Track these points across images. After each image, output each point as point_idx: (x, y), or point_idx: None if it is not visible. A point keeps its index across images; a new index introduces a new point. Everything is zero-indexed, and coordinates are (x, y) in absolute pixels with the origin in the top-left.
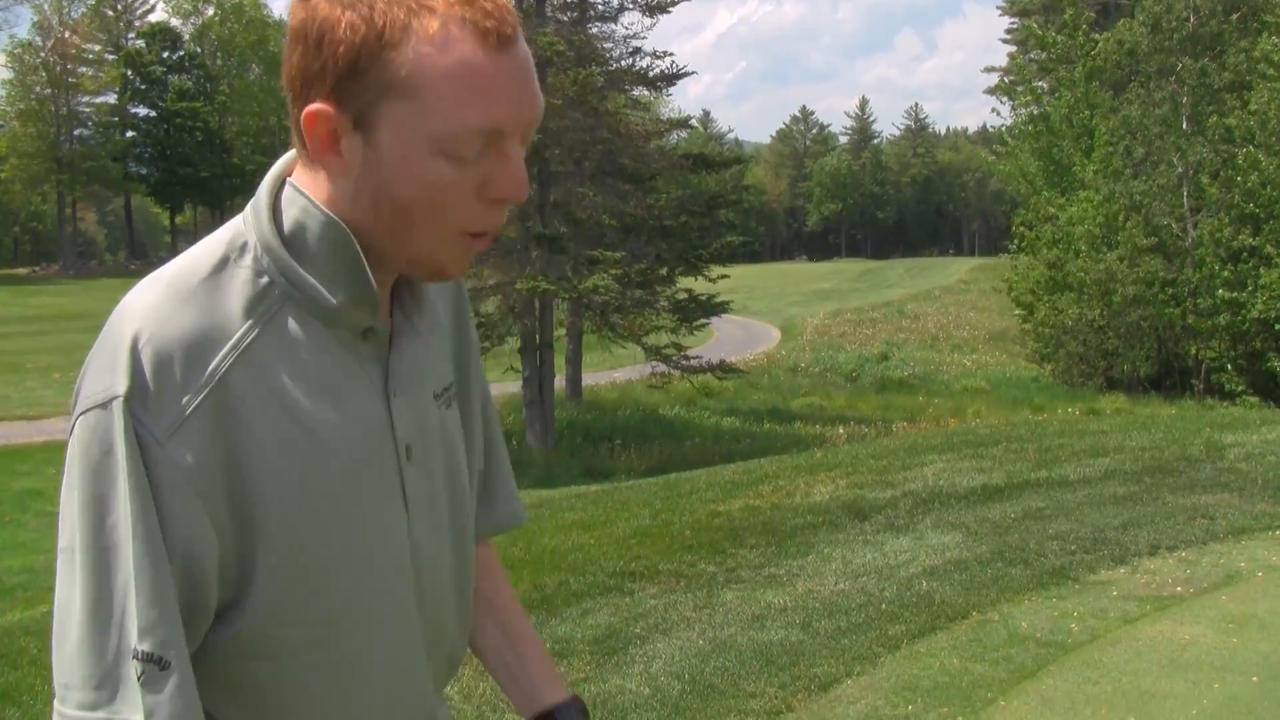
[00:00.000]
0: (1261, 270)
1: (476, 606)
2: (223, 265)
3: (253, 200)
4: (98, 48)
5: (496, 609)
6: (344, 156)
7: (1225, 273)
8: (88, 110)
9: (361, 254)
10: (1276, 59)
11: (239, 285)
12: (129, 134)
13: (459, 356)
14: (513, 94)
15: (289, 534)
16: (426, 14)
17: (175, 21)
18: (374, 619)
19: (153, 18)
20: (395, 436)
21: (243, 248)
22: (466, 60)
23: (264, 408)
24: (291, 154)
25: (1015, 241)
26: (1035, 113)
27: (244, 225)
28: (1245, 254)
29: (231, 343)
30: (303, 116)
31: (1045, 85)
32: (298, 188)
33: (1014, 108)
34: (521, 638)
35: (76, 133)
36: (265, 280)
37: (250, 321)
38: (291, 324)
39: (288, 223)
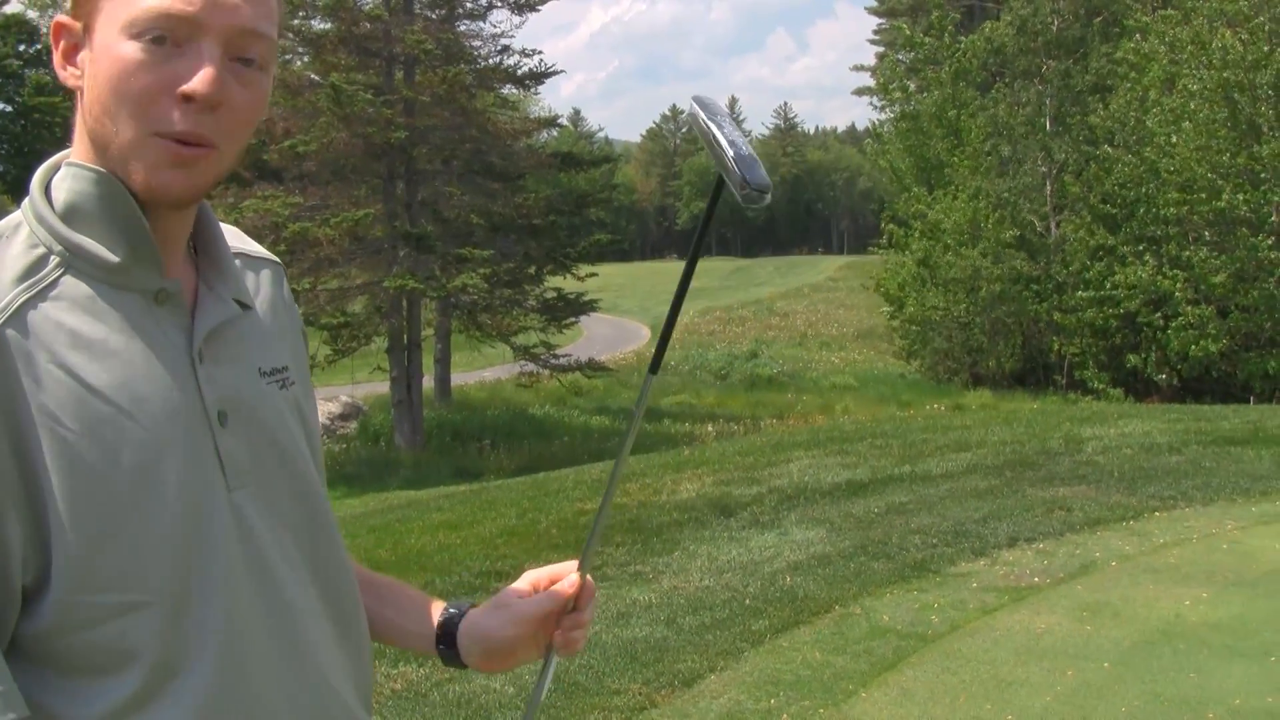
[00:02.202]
0: (1117, 268)
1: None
2: None
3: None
4: None
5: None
6: (80, 69)
7: (1089, 273)
8: None
9: (131, 201)
10: (1134, 61)
11: (10, 260)
12: None
13: (291, 350)
14: None
15: (79, 498)
16: None
17: (32, 14)
18: (201, 583)
19: (8, 9)
20: (204, 401)
21: (16, 226)
22: None
23: (41, 374)
24: (66, 150)
25: (885, 237)
26: (906, 110)
27: (17, 211)
28: (1103, 252)
29: None
30: (51, 28)
31: (913, 85)
32: (71, 159)
33: (884, 106)
34: (387, 595)
35: None
36: (40, 250)
37: (20, 288)
38: (74, 289)
39: (63, 194)
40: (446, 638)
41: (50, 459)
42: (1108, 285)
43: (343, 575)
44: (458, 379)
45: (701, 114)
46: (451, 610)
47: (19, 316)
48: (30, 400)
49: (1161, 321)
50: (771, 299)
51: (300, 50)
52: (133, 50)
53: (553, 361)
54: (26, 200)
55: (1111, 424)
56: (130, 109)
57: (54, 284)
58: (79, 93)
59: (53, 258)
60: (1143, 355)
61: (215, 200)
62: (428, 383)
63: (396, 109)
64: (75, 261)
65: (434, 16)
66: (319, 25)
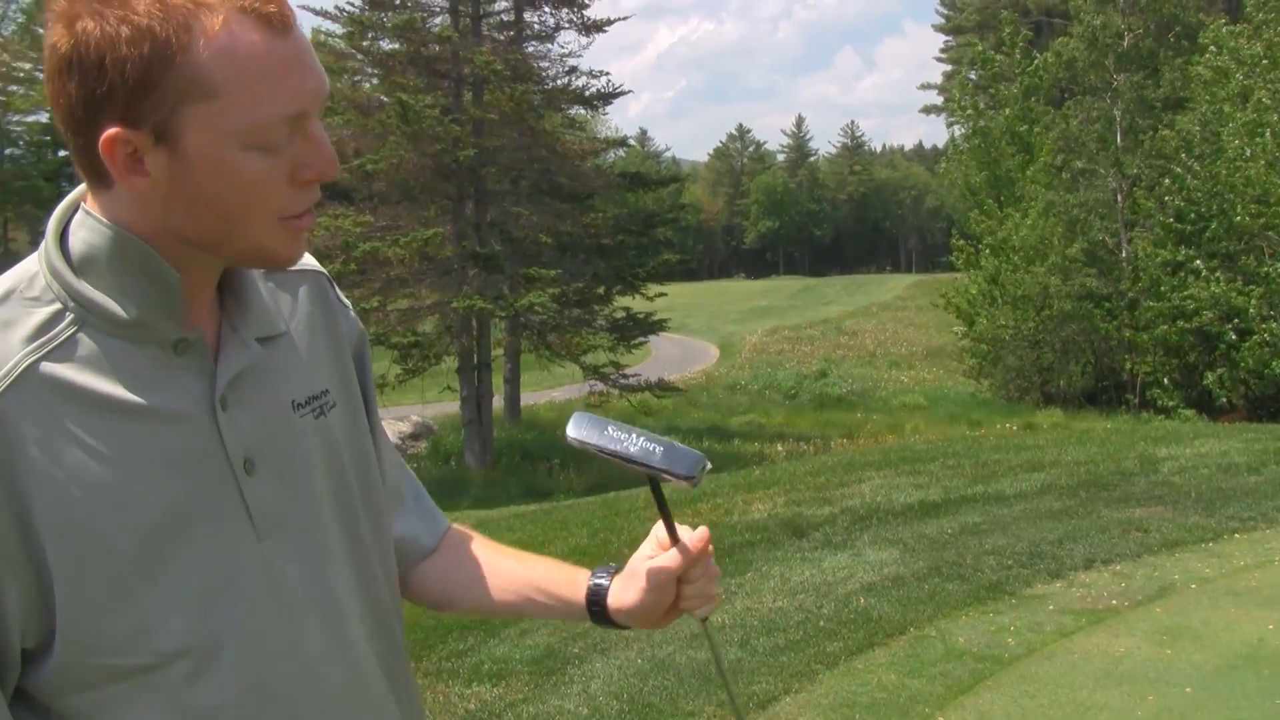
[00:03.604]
0: (1190, 283)
1: (474, 588)
2: (6, 298)
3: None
4: (29, 66)
5: (490, 574)
6: (150, 175)
7: (1161, 287)
8: (19, 129)
9: (160, 262)
10: (1208, 77)
11: (23, 315)
12: (61, 153)
13: (336, 367)
14: (304, 73)
15: (84, 563)
16: (206, 12)
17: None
18: (223, 641)
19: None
20: (227, 450)
21: (32, 278)
22: (257, 50)
23: (46, 439)
24: (83, 186)
25: (955, 255)
26: (978, 125)
27: (35, 258)
28: (1175, 268)
29: (3, 371)
30: (100, 145)
31: (984, 102)
32: (88, 210)
33: (954, 123)
34: (528, 573)
35: (8, 152)
36: (55, 307)
37: (30, 349)
38: (87, 347)
39: (78, 245)
40: (596, 608)
41: (54, 525)
42: (1178, 300)
43: (391, 608)
44: (527, 399)
45: (591, 442)
46: (596, 582)
47: (23, 381)
48: (34, 466)
49: (1235, 338)
50: (840, 318)
51: (370, 71)
52: (256, 161)
53: (622, 381)
54: (42, 247)
55: (1187, 444)
56: (259, 210)
57: (66, 342)
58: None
59: (67, 314)
60: (1217, 373)
61: None
62: (497, 402)
63: (465, 129)
64: (89, 317)
65: (502, 38)
66: (388, 46)
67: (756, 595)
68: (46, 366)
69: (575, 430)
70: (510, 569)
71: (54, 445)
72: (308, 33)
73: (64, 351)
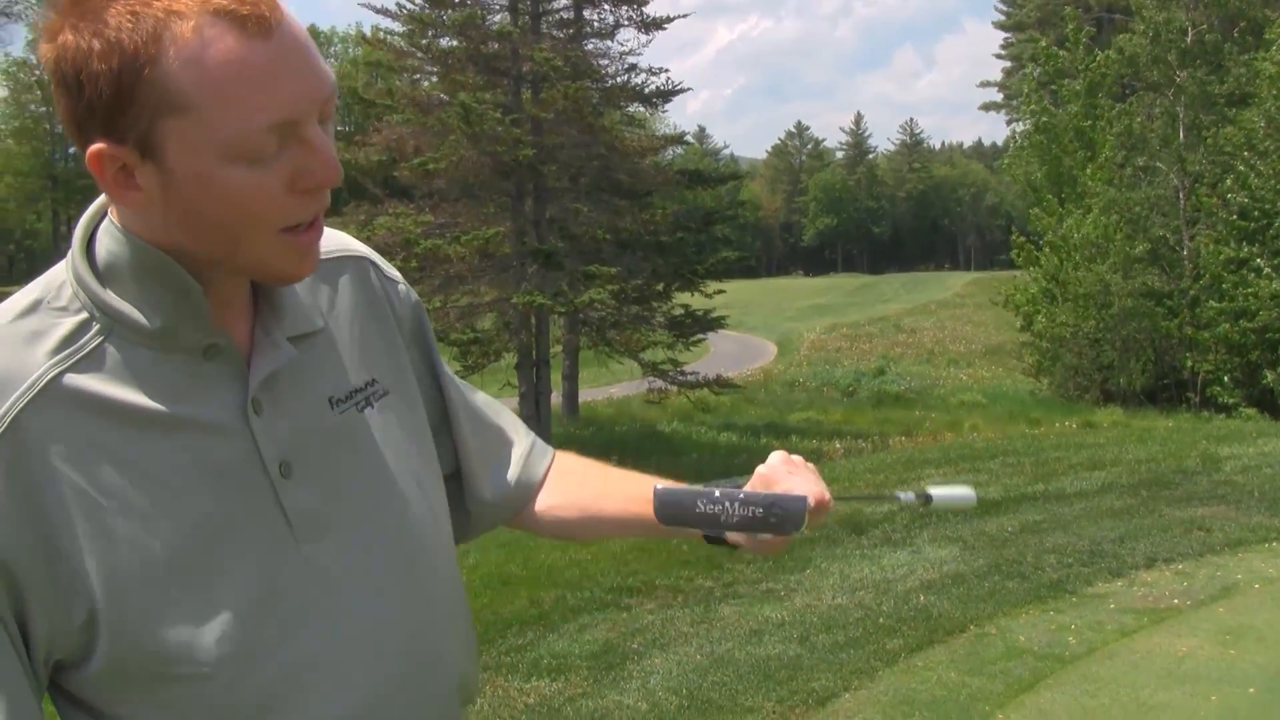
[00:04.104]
0: (1252, 279)
1: (585, 514)
2: (34, 308)
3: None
4: None
5: (597, 497)
6: (142, 189)
7: (1223, 284)
8: None
9: (181, 271)
10: (1273, 73)
11: (50, 325)
12: None
13: (386, 352)
14: (293, 77)
15: (117, 576)
16: (176, 19)
17: None
18: (266, 647)
19: None
20: (261, 456)
21: (60, 287)
22: (232, 56)
23: (73, 451)
24: None
25: (1015, 253)
26: (1040, 122)
27: (63, 265)
28: (1238, 265)
29: (27, 383)
30: (87, 160)
31: (1047, 98)
32: (112, 220)
33: (1014, 120)
34: (638, 489)
35: (71, 150)
36: (82, 316)
37: (56, 360)
38: (114, 357)
39: (103, 254)
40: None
41: (85, 540)
42: (1241, 298)
43: (439, 606)
44: (586, 395)
45: (687, 522)
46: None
47: (47, 393)
48: (62, 483)
49: None
50: (898, 315)
51: (429, 69)
52: (243, 174)
53: (680, 378)
54: (69, 255)
55: (1250, 443)
56: (255, 224)
57: (93, 353)
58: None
59: (94, 324)
60: (1279, 371)
61: (348, 218)
62: (556, 399)
63: (524, 127)
64: (116, 327)
65: (561, 36)
66: (447, 43)
67: (816, 593)
68: (71, 378)
69: (663, 511)
70: (617, 488)
71: (83, 460)
72: (366, 30)
73: (90, 362)
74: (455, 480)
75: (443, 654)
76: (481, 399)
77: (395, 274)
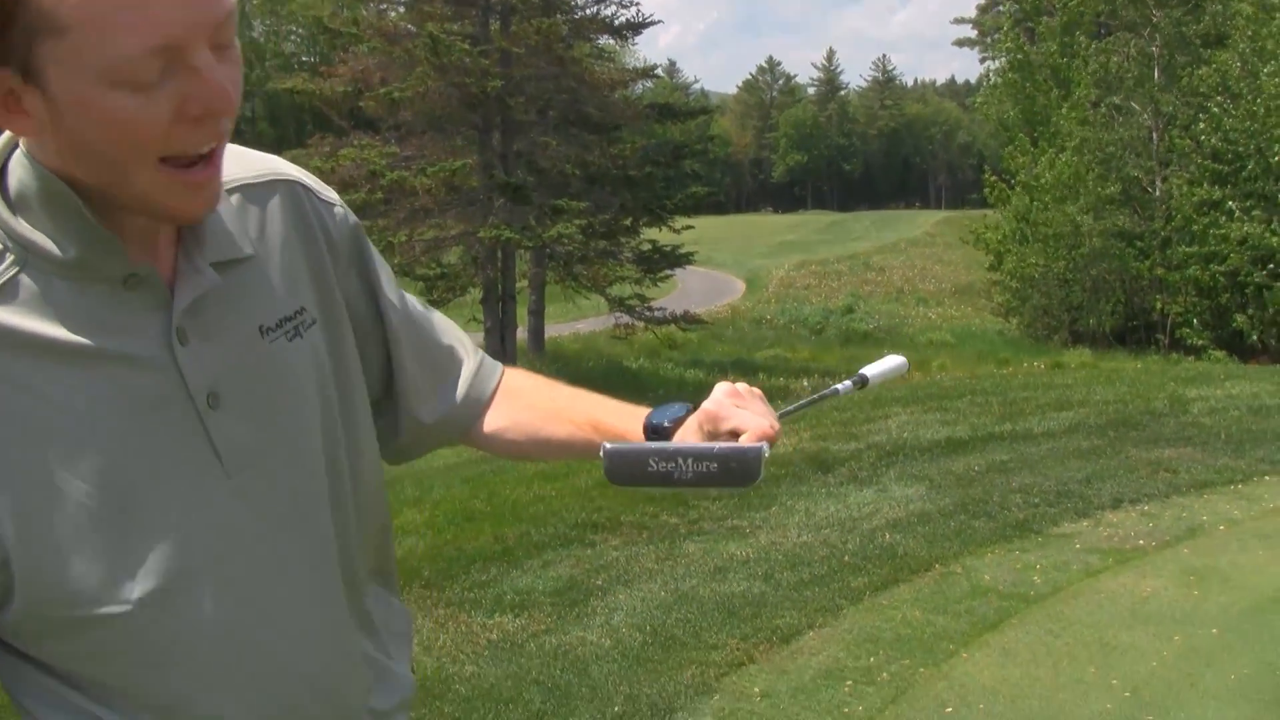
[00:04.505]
0: (1224, 223)
1: (531, 432)
2: None
3: None
4: None
5: (545, 417)
6: (31, 115)
7: (1195, 227)
8: None
9: (77, 200)
10: (1250, 14)
11: None
12: None
13: (315, 279)
14: (174, 1)
15: (36, 513)
16: None
17: None
18: (191, 585)
19: None
20: (188, 386)
21: None
22: None
23: None
24: None
25: (987, 191)
26: (1015, 59)
27: None
28: (1209, 207)
29: None
30: None
31: (1023, 35)
32: (21, 148)
33: (988, 58)
34: (585, 411)
35: None
36: None
37: None
38: (31, 289)
39: (14, 184)
40: (655, 438)
41: (5, 477)
42: (1213, 240)
43: (367, 537)
44: (552, 331)
45: (638, 482)
46: (655, 421)
47: None
48: None
49: (1266, 279)
50: (868, 253)
51: (397, 0)
52: (125, 100)
53: (647, 314)
54: None
55: (1217, 385)
56: (136, 154)
57: (7, 285)
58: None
59: (8, 255)
60: (1249, 314)
61: (312, 150)
62: (522, 334)
63: (492, 59)
64: (30, 258)
65: None
66: None
67: (781, 530)
68: None
69: (614, 472)
70: (566, 411)
71: None
72: None
73: (4, 295)
74: (393, 403)
75: (355, 589)
76: (432, 319)
77: (330, 196)
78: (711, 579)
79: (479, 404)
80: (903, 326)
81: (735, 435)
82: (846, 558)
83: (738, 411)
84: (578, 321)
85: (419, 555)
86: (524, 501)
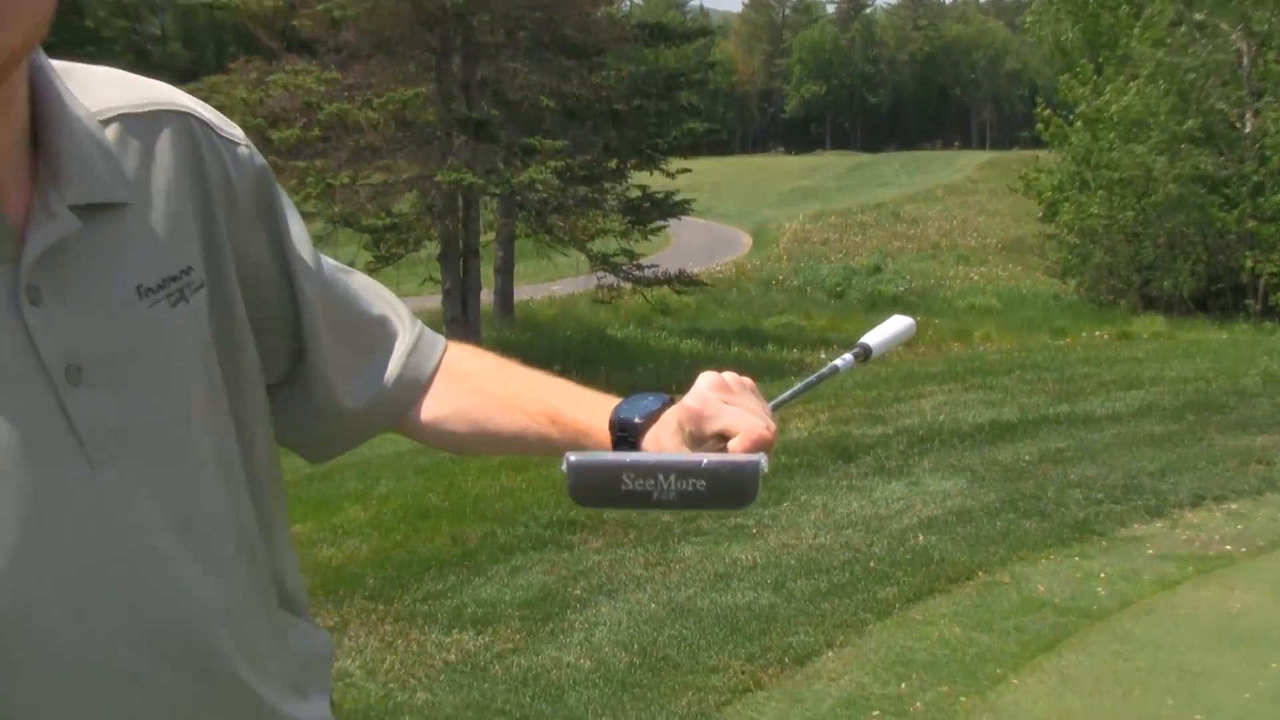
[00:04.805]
0: None
1: (475, 430)
2: None
3: None
4: None
5: (488, 410)
6: None
7: None
8: None
9: None
10: None
11: None
12: None
13: (206, 233)
14: None
15: None
16: None
17: None
18: (41, 601)
19: None
20: (40, 356)
21: None
22: None
23: None
24: None
25: (1040, 128)
26: None
27: None
28: None
29: None
30: None
31: None
32: None
33: None
34: (542, 399)
35: None
36: None
37: None
38: None
39: None
40: (624, 436)
41: None
42: None
43: (259, 546)
44: (522, 293)
45: (611, 501)
46: (623, 417)
47: None
48: None
49: None
50: (897, 202)
51: None
52: None
53: (636, 273)
54: None
55: None
56: None
57: None
58: None
59: None
60: None
61: (235, 76)
62: (486, 297)
63: None
64: None
65: None
66: None
67: (794, 530)
68: None
69: (580, 491)
70: (521, 400)
71: None
72: None
73: None
74: (306, 387)
75: (248, 609)
76: (355, 284)
77: (233, 133)
78: (712, 588)
79: (415, 387)
80: (939, 289)
81: (723, 439)
82: (872, 563)
83: (726, 409)
84: (553, 282)
85: (362, 560)
86: (488, 495)
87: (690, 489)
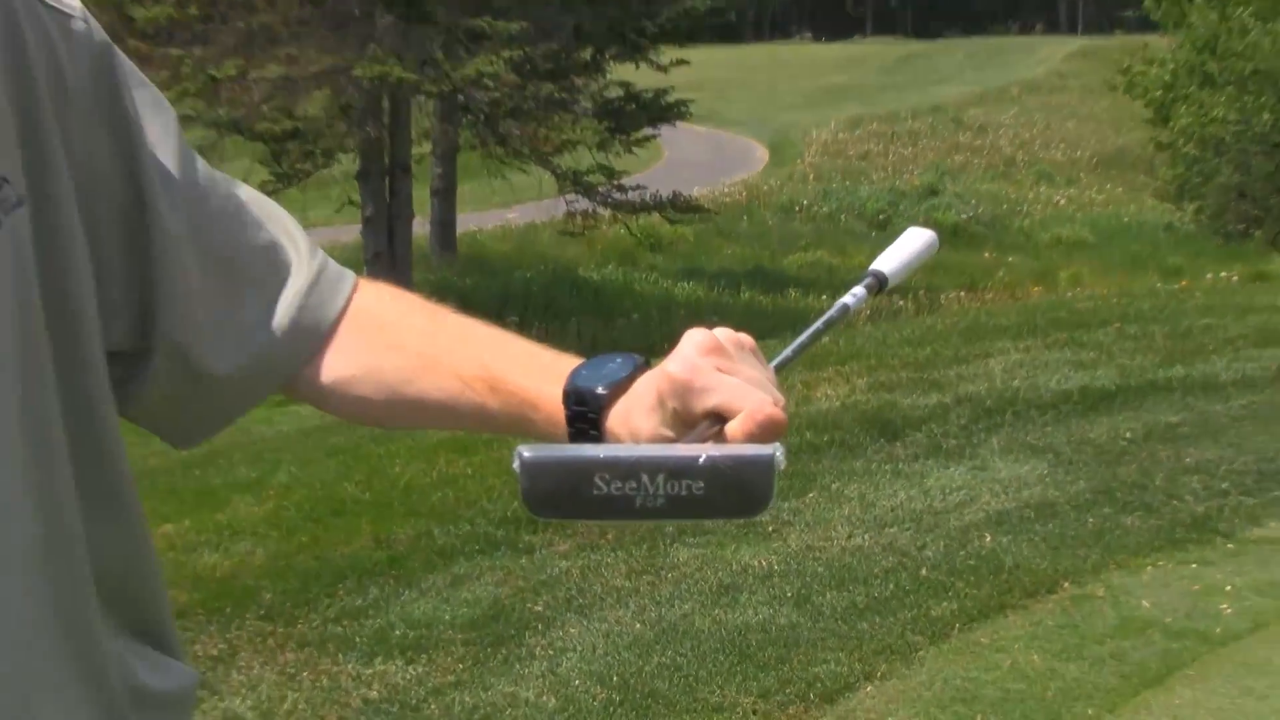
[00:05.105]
0: None
1: (393, 398)
2: None
3: None
4: None
5: (409, 371)
6: None
7: None
8: None
9: None
10: None
11: None
12: None
13: (27, 135)
14: None
15: None
16: None
17: None
18: None
19: None
20: None
21: None
22: None
23: None
24: None
25: (1151, 3)
26: None
27: None
28: None
29: None
30: None
31: None
32: None
33: None
34: (478, 359)
35: None
36: None
37: None
38: None
39: None
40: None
41: None
42: None
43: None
44: (467, 222)
45: (573, 512)
46: (585, 386)
47: None
48: None
49: None
50: (960, 104)
51: None
52: None
53: (617, 197)
54: None
55: None
56: None
57: None
58: None
59: None
60: None
61: None
62: (420, 227)
63: None
64: None
65: None
66: None
67: (822, 528)
68: None
69: (539, 496)
70: (452, 357)
71: None
72: None
73: None
74: (161, 343)
75: (82, 635)
76: (238, 202)
77: (70, 3)
78: (715, 603)
79: (312, 337)
80: (1014, 218)
81: (719, 420)
82: (924, 571)
83: (722, 381)
84: (508, 209)
85: (256, 569)
86: (423, 484)
87: (684, 493)
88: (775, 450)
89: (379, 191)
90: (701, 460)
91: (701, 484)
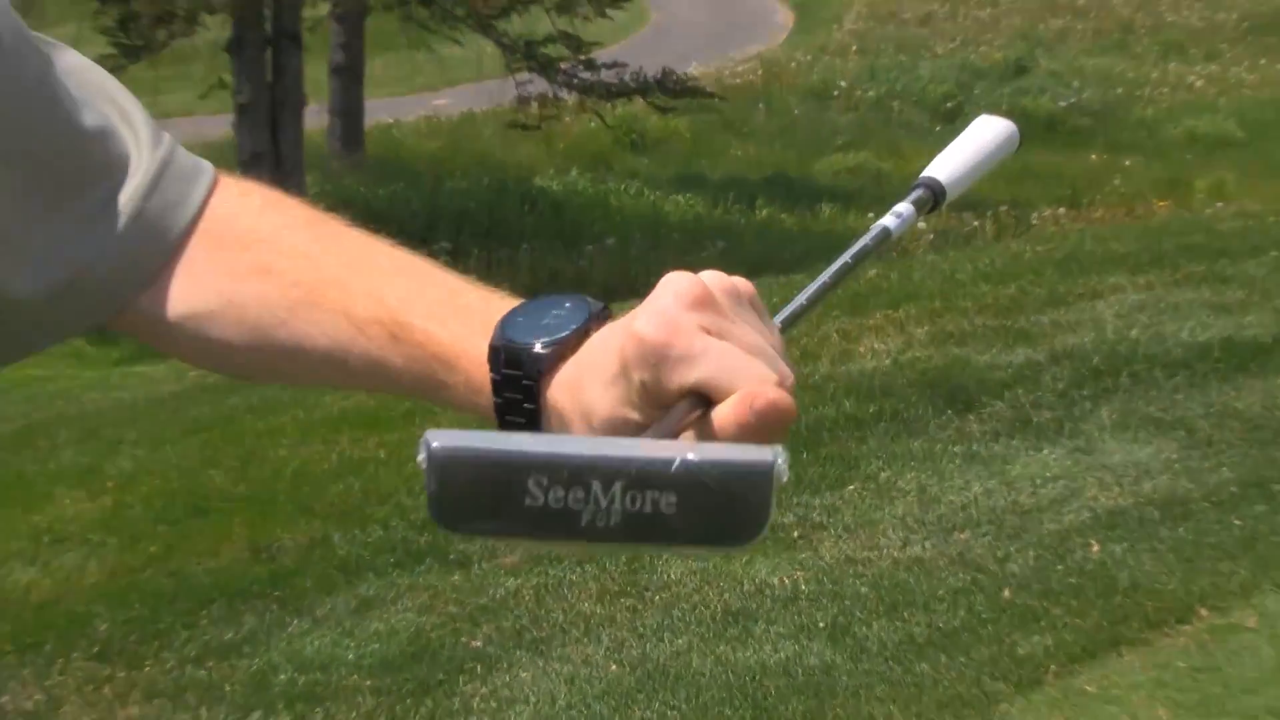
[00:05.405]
0: None
1: (259, 332)
2: None
3: None
4: None
5: (286, 305)
6: None
7: None
8: None
9: None
10: None
11: None
12: None
13: None
14: None
15: None
16: None
17: None
18: None
19: None
20: None
21: None
22: None
23: None
24: None
25: None
26: None
27: None
28: None
29: None
30: None
31: None
32: None
33: None
34: (376, 292)
35: None
36: None
37: None
38: None
39: None
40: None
41: None
42: None
43: None
44: (382, 111)
45: (497, 528)
46: (516, 340)
47: None
48: None
49: None
50: None
51: None
52: None
53: (585, 77)
54: None
55: None
56: None
57: None
58: None
59: None
60: None
61: None
62: (317, 118)
63: None
64: None
65: None
66: None
67: (867, 533)
68: None
69: (448, 504)
70: (335, 278)
71: None
72: None
73: None
74: None
75: None
76: (58, 75)
77: None
78: (718, 636)
79: (153, 255)
80: (1132, 106)
81: (703, 401)
82: (1007, 593)
83: (709, 346)
84: (436, 93)
85: (88, 590)
86: (318, 472)
87: (647, 509)
88: (776, 456)
89: (258, 69)
90: (675, 466)
91: (673, 498)
